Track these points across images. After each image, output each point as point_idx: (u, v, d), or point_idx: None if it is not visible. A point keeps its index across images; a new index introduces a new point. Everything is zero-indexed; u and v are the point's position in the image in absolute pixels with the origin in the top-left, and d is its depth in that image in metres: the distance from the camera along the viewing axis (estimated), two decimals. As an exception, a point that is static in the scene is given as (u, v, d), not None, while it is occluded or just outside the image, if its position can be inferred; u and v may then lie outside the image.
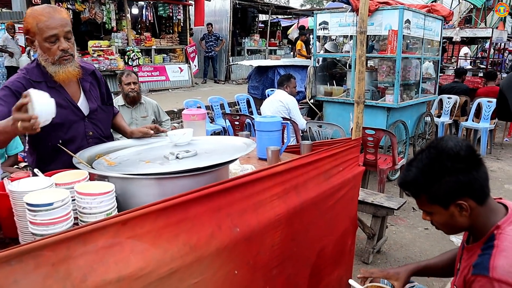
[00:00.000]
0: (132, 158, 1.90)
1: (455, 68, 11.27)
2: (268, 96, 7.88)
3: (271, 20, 16.71)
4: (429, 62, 7.31)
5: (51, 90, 2.00)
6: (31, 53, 9.60)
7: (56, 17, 1.94)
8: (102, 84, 2.34)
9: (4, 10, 12.42)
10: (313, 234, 2.11)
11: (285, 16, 19.39)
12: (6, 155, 3.65)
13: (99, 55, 10.27)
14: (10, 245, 1.58)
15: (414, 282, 2.00)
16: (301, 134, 4.88)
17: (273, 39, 17.72)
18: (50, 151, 2.09)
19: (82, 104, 2.18)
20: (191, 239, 1.41)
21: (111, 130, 2.44)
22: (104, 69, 10.19)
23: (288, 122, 4.62)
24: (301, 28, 12.76)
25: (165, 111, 4.73)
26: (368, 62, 6.37)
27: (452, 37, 10.54)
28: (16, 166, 3.64)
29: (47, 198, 1.33)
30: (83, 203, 1.43)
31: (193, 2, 12.96)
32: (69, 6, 9.89)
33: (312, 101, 6.20)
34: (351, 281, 1.78)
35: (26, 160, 4.20)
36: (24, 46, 10.17)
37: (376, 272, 1.84)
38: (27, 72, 2.05)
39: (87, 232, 1.18)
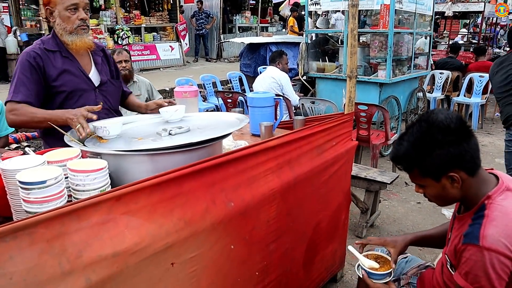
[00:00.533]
0: (124, 135, 1.88)
1: (447, 43, 11.24)
2: (260, 73, 7.84)
3: (262, -4, 16.47)
4: (422, 37, 7.27)
5: (65, 59, 2.16)
6: (18, 32, 9.42)
7: None
8: (111, 61, 2.47)
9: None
10: (308, 209, 2.13)
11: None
12: (-3, 136, 3.60)
13: (88, 34, 10.11)
14: (4, 223, 1.58)
15: (407, 253, 2.03)
16: (294, 111, 4.87)
17: (266, 16, 17.52)
18: None
19: (93, 75, 2.29)
20: (186, 214, 1.41)
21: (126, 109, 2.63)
22: (94, 48, 10.04)
23: (281, 98, 4.60)
24: (294, 5, 12.58)
25: (158, 90, 4.69)
26: (360, 37, 6.32)
27: (444, 12, 10.48)
28: (7, 148, 3.60)
29: (40, 176, 1.32)
30: (76, 180, 1.42)
31: (182, -21, 12.74)
32: (55, -17, 9.64)
33: (304, 77, 6.17)
34: (350, 248, 1.80)
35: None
36: (10, 26, 9.96)
37: (374, 239, 1.86)
38: (42, 43, 2.16)
39: (80, 208, 1.17)
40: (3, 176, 1.46)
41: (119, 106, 2.56)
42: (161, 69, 11.96)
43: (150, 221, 1.31)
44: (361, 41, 6.26)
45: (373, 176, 3.43)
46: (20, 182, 1.31)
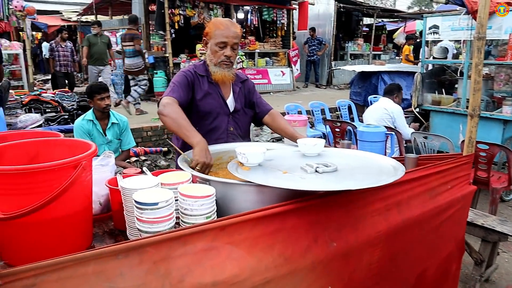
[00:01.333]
0: (266, 164, 1.79)
1: None
2: (371, 103, 7.63)
3: (376, 23, 16.15)
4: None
5: (210, 84, 2.42)
6: (146, 55, 10.35)
7: (231, 29, 2.32)
8: (247, 92, 2.60)
9: (125, 17, 13.54)
10: (414, 255, 1.97)
11: (391, 20, 18.62)
12: (120, 150, 3.96)
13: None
14: (119, 236, 1.70)
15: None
16: (405, 145, 4.63)
17: (379, 44, 17.16)
18: None
19: (230, 102, 2.50)
20: (287, 250, 1.39)
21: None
22: (209, 71, 10.65)
23: (393, 132, 4.42)
24: (410, 34, 12.15)
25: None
26: (483, 69, 5.84)
27: None
28: (128, 161, 3.94)
29: (153, 198, 1.40)
30: (185, 205, 1.48)
31: (297, 6, 13.03)
32: (180, 12, 10.51)
33: (418, 109, 5.86)
34: None
35: (150, 151, 4.61)
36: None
37: None
38: (194, 67, 2.46)
39: (188, 235, 1.22)
40: (122, 193, 1.59)
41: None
42: (271, 93, 12.27)
43: (251, 254, 1.31)
44: (483, 73, 5.79)
45: (492, 224, 3.09)
46: (135, 201, 1.41)
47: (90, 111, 3.81)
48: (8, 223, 1.42)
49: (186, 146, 2.09)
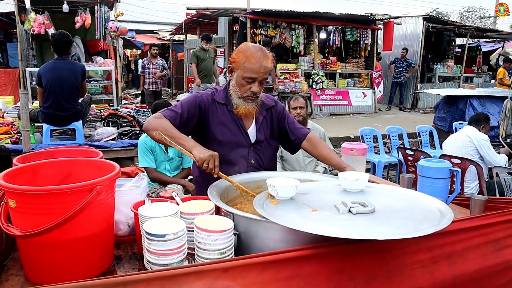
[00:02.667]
0: (298, 198, 1.64)
1: None
2: (456, 129, 7.06)
3: (469, 44, 15.05)
4: None
5: (230, 113, 2.24)
6: (227, 74, 10.63)
7: (263, 64, 2.11)
8: (276, 119, 2.38)
9: (214, 36, 14.12)
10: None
11: (488, 40, 17.26)
12: (182, 168, 4.00)
13: (285, 78, 10.75)
14: (139, 262, 1.64)
15: None
16: (486, 180, 4.15)
17: (473, 66, 15.99)
18: None
19: (251, 132, 2.30)
20: (300, 301, 1.23)
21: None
22: (288, 91, 10.62)
23: (458, 169, 3.98)
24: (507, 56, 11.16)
25: (341, 137, 4.58)
26: None
27: None
28: (188, 179, 3.96)
29: (162, 229, 1.33)
30: (199, 238, 1.38)
31: (382, 26, 12.60)
32: (262, 31, 10.65)
33: (508, 140, 5.28)
34: None
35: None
36: (222, 67, 11.34)
37: None
38: (215, 92, 2.29)
39: (183, 274, 1.11)
40: (139, 220, 1.53)
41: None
42: (351, 115, 11.92)
43: (255, 302, 1.17)
44: None
45: None
46: (145, 231, 1.34)
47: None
48: (27, 241, 1.43)
49: (205, 174, 1.98)
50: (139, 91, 11.62)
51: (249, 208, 1.77)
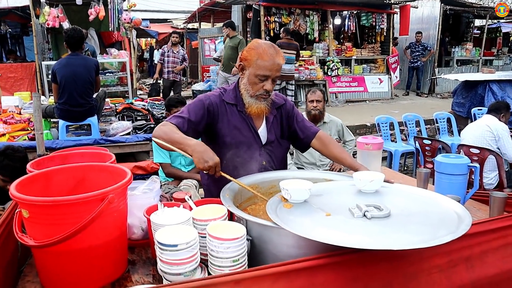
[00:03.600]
0: (312, 201, 1.60)
1: None
2: (474, 116, 6.91)
3: (489, 25, 14.58)
4: None
5: (240, 113, 2.18)
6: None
7: (276, 61, 2.05)
8: (285, 119, 2.33)
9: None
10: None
11: (508, 20, 16.70)
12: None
13: (300, 65, 10.63)
14: (154, 266, 1.64)
15: None
16: (506, 169, 4.05)
17: (492, 48, 15.55)
18: (222, 170, 2.11)
19: (262, 132, 2.24)
20: (313, 311, 1.21)
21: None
22: (303, 78, 10.52)
23: (493, 154, 3.89)
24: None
25: (357, 125, 4.50)
26: None
27: None
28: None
29: (174, 238, 1.32)
30: (211, 245, 1.37)
31: (398, 10, 12.33)
32: (276, 19, 10.53)
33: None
34: None
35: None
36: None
37: None
38: (223, 92, 2.22)
39: (194, 288, 1.10)
40: (151, 227, 1.53)
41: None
42: (367, 101, 11.75)
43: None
44: None
45: None
46: (157, 241, 1.33)
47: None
48: (41, 251, 1.45)
49: (214, 179, 1.94)
50: (153, 81, 10.31)
51: (265, 208, 1.75)
